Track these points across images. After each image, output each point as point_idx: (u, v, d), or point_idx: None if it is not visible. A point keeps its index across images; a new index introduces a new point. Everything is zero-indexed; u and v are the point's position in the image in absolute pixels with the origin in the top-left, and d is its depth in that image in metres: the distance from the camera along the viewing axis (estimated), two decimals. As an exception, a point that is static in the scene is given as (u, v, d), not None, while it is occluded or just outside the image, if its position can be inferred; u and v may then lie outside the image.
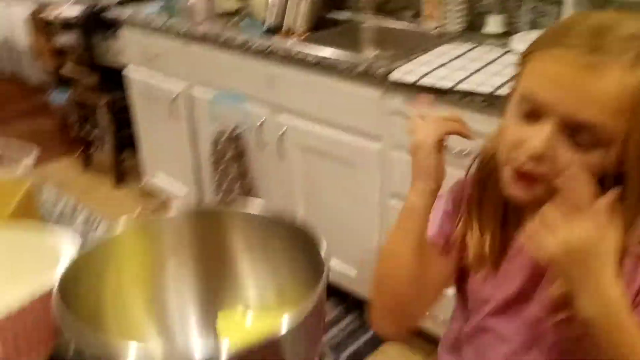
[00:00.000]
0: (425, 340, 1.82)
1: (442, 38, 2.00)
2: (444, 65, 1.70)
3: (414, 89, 1.63)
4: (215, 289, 0.68)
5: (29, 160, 0.92)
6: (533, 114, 0.67)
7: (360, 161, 1.89)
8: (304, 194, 2.13)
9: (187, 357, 0.67)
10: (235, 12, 2.39)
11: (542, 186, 0.68)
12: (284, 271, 0.66)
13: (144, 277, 0.66)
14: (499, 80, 1.56)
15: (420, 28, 2.13)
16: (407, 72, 1.67)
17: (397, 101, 1.71)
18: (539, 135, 0.66)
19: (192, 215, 0.69)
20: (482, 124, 1.53)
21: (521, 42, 1.79)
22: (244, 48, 2.05)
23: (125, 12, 2.53)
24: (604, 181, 0.67)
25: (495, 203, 0.78)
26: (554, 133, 0.66)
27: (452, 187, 0.87)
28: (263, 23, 2.24)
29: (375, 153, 1.84)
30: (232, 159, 2.22)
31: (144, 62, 2.50)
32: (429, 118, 0.81)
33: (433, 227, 0.83)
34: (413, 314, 0.86)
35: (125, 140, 2.92)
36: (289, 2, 2.22)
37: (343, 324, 2.08)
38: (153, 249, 0.67)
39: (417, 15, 2.19)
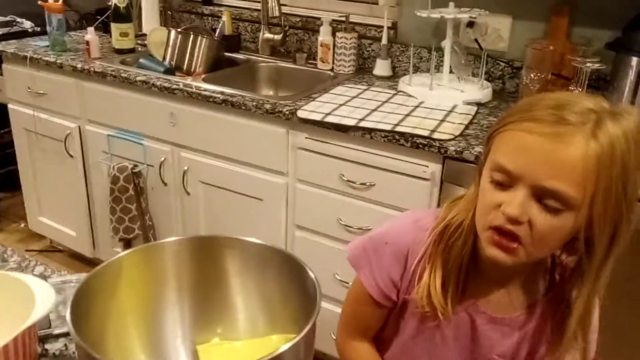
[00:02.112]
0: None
1: (336, 79, 2.16)
2: (344, 105, 1.85)
3: (317, 125, 1.76)
4: (208, 312, 0.72)
5: None
6: (506, 182, 0.73)
7: (267, 195, 1.97)
8: (209, 228, 2.16)
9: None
10: (132, 50, 2.39)
11: (521, 250, 0.74)
12: (275, 299, 0.71)
13: (143, 300, 0.68)
14: (395, 118, 1.73)
15: (315, 69, 2.28)
16: (311, 110, 1.79)
17: (301, 137, 1.83)
18: (513, 201, 0.72)
19: (192, 242, 0.72)
20: (383, 158, 1.71)
21: (407, 84, 2.00)
22: (146, 86, 2.07)
23: (9, 46, 2.42)
24: (578, 243, 0.75)
25: (458, 266, 0.84)
26: (527, 198, 0.71)
27: (397, 244, 0.91)
28: (162, 61, 2.27)
29: (281, 187, 1.93)
30: (132, 197, 2.19)
31: (31, 98, 2.40)
32: None
33: (376, 285, 0.91)
34: None
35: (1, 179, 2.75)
36: (187, 43, 2.27)
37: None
38: (153, 273, 0.70)
39: (310, 57, 2.35)
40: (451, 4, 1.93)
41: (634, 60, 1.63)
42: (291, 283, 0.68)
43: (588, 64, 1.64)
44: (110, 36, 2.40)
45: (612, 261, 0.76)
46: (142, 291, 0.70)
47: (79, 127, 2.32)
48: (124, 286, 0.67)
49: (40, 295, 0.70)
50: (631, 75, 1.65)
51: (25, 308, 0.69)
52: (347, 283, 1.87)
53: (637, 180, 0.72)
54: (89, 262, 2.60)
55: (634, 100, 1.64)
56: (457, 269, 0.84)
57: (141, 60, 2.24)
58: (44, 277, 0.95)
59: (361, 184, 1.76)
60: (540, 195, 0.71)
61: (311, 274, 0.65)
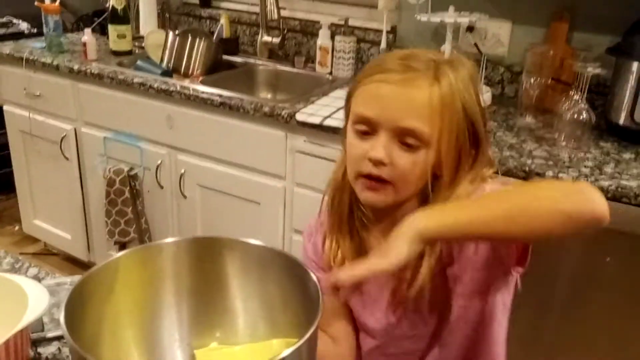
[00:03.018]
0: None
1: (335, 82, 2.15)
2: (343, 109, 1.83)
3: (316, 128, 1.75)
4: (207, 315, 0.70)
5: None
6: (368, 131, 0.82)
7: (264, 199, 1.95)
8: (206, 232, 2.14)
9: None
10: (129, 52, 2.37)
11: (391, 189, 0.83)
12: (276, 300, 0.69)
13: (139, 303, 0.66)
14: (394, 122, 1.72)
15: (313, 73, 2.27)
16: (310, 113, 1.78)
17: (300, 140, 1.81)
18: (377, 145, 0.81)
19: (191, 242, 0.71)
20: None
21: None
22: (143, 88, 2.05)
23: (6, 47, 2.40)
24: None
25: (347, 219, 0.92)
26: (388, 141, 0.81)
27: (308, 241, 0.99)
28: (159, 64, 2.25)
29: (278, 190, 1.91)
30: (128, 200, 2.17)
31: (27, 100, 2.38)
32: None
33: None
34: None
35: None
36: (185, 45, 2.26)
37: None
38: (150, 275, 0.68)
39: (309, 60, 2.34)
40: (451, 8, 1.93)
41: (635, 65, 1.62)
42: (293, 286, 0.66)
43: (588, 69, 1.63)
44: (108, 38, 2.38)
45: (459, 186, 0.84)
46: (139, 293, 0.68)
47: (75, 129, 2.30)
48: (120, 288, 0.65)
49: (33, 298, 0.68)
50: (631, 81, 1.64)
51: (18, 310, 0.67)
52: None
53: (479, 116, 0.84)
54: (84, 266, 2.57)
55: (635, 105, 1.63)
56: (348, 223, 0.91)
57: (138, 62, 2.22)
58: (37, 279, 0.93)
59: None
60: (399, 135, 0.80)
61: (313, 277, 0.63)
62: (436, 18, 1.88)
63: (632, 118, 1.63)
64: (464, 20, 1.90)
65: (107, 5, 2.36)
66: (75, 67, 2.19)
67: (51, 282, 0.92)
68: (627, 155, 1.58)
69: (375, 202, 0.86)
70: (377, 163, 0.81)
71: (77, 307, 0.58)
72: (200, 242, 0.72)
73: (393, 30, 2.22)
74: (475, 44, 2.02)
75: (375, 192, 0.84)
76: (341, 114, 1.76)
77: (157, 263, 0.68)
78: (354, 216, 0.92)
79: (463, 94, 0.82)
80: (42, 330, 0.83)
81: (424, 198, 0.86)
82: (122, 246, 2.28)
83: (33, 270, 0.97)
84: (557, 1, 1.89)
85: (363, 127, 0.82)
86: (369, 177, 0.83)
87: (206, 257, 0.69)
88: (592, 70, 1.63)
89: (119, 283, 0.65)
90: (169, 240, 0.71)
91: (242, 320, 0.72)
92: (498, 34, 2.03)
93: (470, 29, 2.04)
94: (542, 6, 1.93)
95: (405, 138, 0.80)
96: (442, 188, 0.84)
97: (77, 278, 0.73)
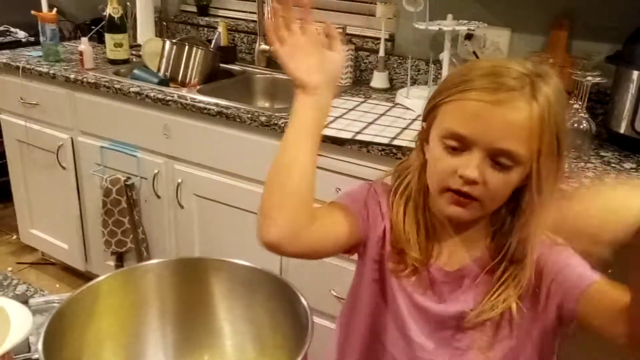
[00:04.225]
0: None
1: (333, 91, 2.13)
2: (341, 117, 1.82)
3: (314, 139, 1.73)
4: (193, 338, 0.68)
5: None
6: (459, 147, 0.80)
7: (261, 209, 1.93)
8: (203, 241, 2.12)
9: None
10: (126, 61, 2.36)
11: (477, 206, 0.82)
12: (264, 322, 0.67)
13: (123, 327, 0.65)
14: (392, 131, 1.70)
15: (311, 81, 2.25)
16: (307, 123, 1.76)
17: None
18: (470, 164, 0.78)
19: (175, 264, 0.69)
20: (380, 172, 1.67)
21: (405, 96, 1.98)
22: (139, 97, 2.03)
23: (2, 56, 2.39)
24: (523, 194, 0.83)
25: (416, 222, 0.90)
26: (481, 160, 0.78)
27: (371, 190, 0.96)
28: (156, 72, 2.24)
29: (276, 200, 1.89)
30: (125, 210, 2.15)
31: (23, 109, 2.37)
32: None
33: (353, 200, 0.94)
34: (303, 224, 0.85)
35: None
36: (182, 54, 2.25)
37: None
38: (134, 298, 0.66)
39: (307, 69, 2.32)
40: (449, 16, 1.91)
41: (635, 74, 1.61)
42: (282, 308, 0.64)
43: (588, 78, 1.61)
44: (105, 47, 2.37)
45: (551, 199, 0.82)
46: (122, 317, 0.66)
47: (72, 138, 2.28)
48: (102, 312, 0.63)
49: (17, 320, 0.66)
50: (632, 89, 1.62)
51: (1, 333, 0.65)
52: (344, 299, 1.83)
53: (566, 129, 0.83)
54: (82, 276, 2.55)
55: (635, 114, 1.61)
56: (416, 227, 0.90)
57: (135, 71, 2.21)
58: (25, 296, 0.91)
59: (357, 198, 1.72)
60: (494, 155, 0.78)
61: (303, 301, 0.61)
62: (434, 26, 1.86)
63: (633, 127, 1.61)
64: (462, 28, 1.88)
65: (105, 13, 2.34)
66: (72, 76, 2.18)
67: (40, 300, 0.90)
68: (628, 165, 1.56)
69: (460, 217, 0.85)
70: (470, 182, 0.80)
71: (57, 334, 0.56)
72: (185, 263, 0.70)
73: (391, 38, 2.20)
74: (474, 52, 2.01)
75: (463, 207, 0.82)
76: (337, 124, 1.76)
77: (140, 286, 0.66)
78: (425, 220, 0.90)
79: (556, 109, 0.80)
80: (29, 351, 0.81)
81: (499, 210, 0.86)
82: (119, 256, 2.26)
83: (22, 287, 0.95)
84: (557, 9, 1.87)
85: (454, 143, 0.80)
86: (457, 192, 0.81)
87: (191, 278, 0.67)
88: (592, 79, 1.61)
89: (100, 308, 0.63)
90: (153, 262, 0.69)
91: (230, 343, 0.70)
92: (497, 42, 2.01)
93: (469, 36, 2.02)
94: (541, 14, 1.91)
95: (499, 158, 0.79)
96: (529, 203, 0.83)
97: (66, 296, 0.72)
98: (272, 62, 2.41)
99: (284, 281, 0.66)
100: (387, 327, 0.94)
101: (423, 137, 0.89)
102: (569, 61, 1.83)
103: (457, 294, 0.88)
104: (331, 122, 1.78)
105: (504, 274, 0.84)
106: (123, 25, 2.34)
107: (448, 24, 1.88)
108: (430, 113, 0.86)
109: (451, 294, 0.89)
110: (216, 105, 1.91)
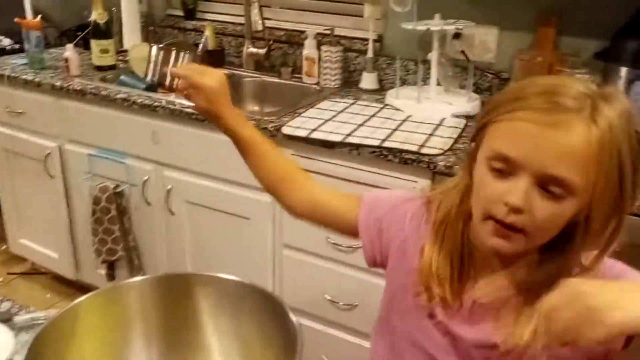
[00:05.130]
0: None
1: (322, 93, 2.12)
2: (331, 120, 1.80)
3: (303, 142, 1.72)
4: (180, 357, 0.67)
5: None
6: (506, 170, 0.73)
7: (253, 214, 1.91)
8: (194, 248, 2.10)
9: None
10: (112, 67, 2.34)
11: (522, 238, 0.74)
12: (253, 337, 0.66)
13: (107, 348, 0.63)
14: (382, 133, 1.69)
15: (300, 84, 2.24)
16: (297, 126, 1.75)
17: (287, 154, 1.78)
18: (516, 190, 0.71)
19: (159, 280, 0.67)
20: (372, 175, 1.66)
21: (394, 97, 1.96)
22: (127, 103, 2.01)
23: (-14, 65, 2.36)
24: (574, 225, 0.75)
25: (451, 252, 0.83)
26: (530, 186, 0.71)
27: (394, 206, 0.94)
28: (143, 78, 2.21)
29: (267, 205, 1.87)
30: (114, 218, 2.13)
31: (9, 118, 2.34)
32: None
33: (370, 203, 0.95)
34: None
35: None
36: (169, 58, 2.22)
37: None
38: (117, 317, 0.64)
39: (295, 71, 2.31)
40: (437, 15, 1.90)
41: (623, 70, 1.61)
42: (271, 323, 0.63)
43: (577, 75, 1.61)
44: (91, 53, 2.34)
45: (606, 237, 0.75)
46: (106, 338, 0.64)
47: (59, 146, 2.26)
48: (85, 333, 0.62)
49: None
50: (620, 85, 1.62)
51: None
52: (338, 303, 1.82)
53: (634, 157, 0.72)
54: (73, 285, 2.53)
55: (625, 110, 1.61)
56: (451, 256, 0.83)
57: (122, 77, 2.19)
58: (9, 314, 0.89)
59: (349, 201, 1.71)
60: (544, 182, 0.71)
61: (292, 317, 0.60)
62: (422, 26, 1.86)
63: (623, 124, 1.61)
64: (450, 27, 1.88)
65: (90, 19, 2.32)
66: (58, 83, 2.15)
67: (26, 317, 0.88)
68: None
69: (502, 250, 0.77)
70: (515, 210, 0.72)
71: (39, 356, 0.54)
72: (169, 279, 0.68)
73: (380, 39, 2.19)
74: (463, 51, 2.00)
75: (506, 239, 0.74)
76: (327, 126, 1.75)
77: (123, 304, 0.65)
78: (462, 249, 0.83)
79: (620, 137, 0.71)
80: (14, 370, 0.79)
81: (548, 246, 0.77)
82: (110, 265, 2.24)
83: (6, 304, 0.93)
84: (544, 6, 1.87)
85: (501, 166, 0.73)
86: (501, 222, 0.74)
87: (176, 295, 0.66)
88: (581, 75, 1.61)
89: (82, 329, 0.61)
90: (136, 279, 0.67)
91: (216, 357, 0.69)
92: (485, 41, 2.01)
93: (457, 36, 2.01)
94: (528, 11, 1.90)
95: (549, 186, 0.71)
96: (584, 242, 0.75)
97: (52, 313, 0.70)
98: (260, 64, 2.40)
99: (271, 295, 0.65)
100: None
101: (471, 158, 0.81)
102: (557, 58, 1.82)
103: (488, 324, 0.82)
104: (321, 124, 1.76)
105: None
106: (109, 30, 2.32)
107: (436, 24, 1.87)
108: (479, 131, 0.79)
109: (481, 323, 0.82)
110: (204, 110, 1.89)
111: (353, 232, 0.96)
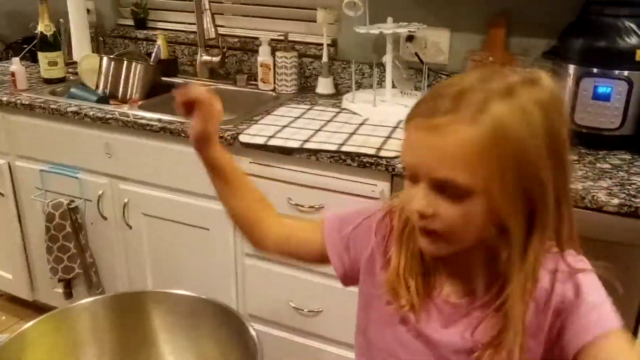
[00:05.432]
0: None
1: (278, 100, 2.11)
2: (288, 126, 1.79)
3: (261, 149, 1.70)
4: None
5: None
6: (412, 177, 0.74)
7: (212, 224, 1.89)
8: (154, 262, 2.06)
9: None
10: (61, 80, 2.27)
11: (442, 241, 0.74)
12: (211, 355, 0.64)
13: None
14: (340, 137, 1.69)
15: (256, 90, 2.22)
16: (254, 134, 1.73)
17: (245, 162, 1.76)
18: (417, 196, 0.73)
19: (110, 300, 0.65)
20: (331, 179, 1.66)
21: (350, 101, 1.97)
22: (78, 117, 1.96)
23: None
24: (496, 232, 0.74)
25: (416, 256, 0.84)
26: (429, 192, 0.72)
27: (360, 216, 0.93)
28: (95, 90, 2.16)
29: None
30: (70, 235, 2.07)
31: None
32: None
33: (333, 221, 0.94)
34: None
35: None
36: (121, 69, 2.18)
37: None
38: (69, 341, 0.61)
39: (251, 78, 2.29)
40: (389, 19, 1.92)
41: (571, 68, 1.64)
42: (230, 339, 0.61)
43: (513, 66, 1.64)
44: (39, 66, 2.28)
45: (535, 250, 0.73)
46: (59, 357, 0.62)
47: (9, 163, 2.18)
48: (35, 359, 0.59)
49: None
50: (568, 82, 1.66)
51: None
52: (302, 310, 1.81)
53: (553, 146, 0.70)
54: (30, 305, 2.44)
55: (574, 108, 1.65)
56: (415, 261, 0.83)
57: (72, 89, 2.13)
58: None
59: (309, 206, 1.70)
60: (438, 186, 0.71)
61: (252, 331, 0.59)
62: (375, 30, 1.87)
63: (572, 120, 1.65)
64: (403, 30, 1.89)
65: (37, 31, 2.25)
66: (4, 98, 2.08)
67: (-26, 343, 0.84)
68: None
69: (431, 253, 0.79)
70: (421, 215, 0.73)
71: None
72: (122, 298, 0.66)
73: (334, 43, 2.20)
74: (416, 54, 2.02)
75: (430, 242, 0.76)
76: (284, 133, 1.74)
77: (75, 327, 0.62)
78: (420, 258, 0.83)
79: (517, 131, 0.68)
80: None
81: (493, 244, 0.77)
82: (67, 283, 2.18)
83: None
84: (494, 7, 1.90)
85: (407, 173, 0.75)
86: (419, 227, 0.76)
87: (130, 314, 0.64)
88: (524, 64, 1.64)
89: (32, 355, 0.59)
90: (88, 300, 0.65)
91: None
92: (438, 43, 2.03)
93: (410, 38, 2.03)
94: (478, 13, 1.94)
95: (445, 188, 0.71)
96: (511, 244, 0.73)
97: (4, 337, 0.67)
98: (215, 72, 2.37)
99: (230, 309, 0.63)
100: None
101: None
102: (508, 58, 1.86)
103: (460, 327, 0.81)
104: (278, 131, 1.75)
105: (501, 308, 0.76)
106: (57, 42, 2.26)
107: (388, 27, 1.89)
108: None
109: (454, 326, 0.82)
110: (159, 120, 1.86)
111: (322, 258, 0.95)
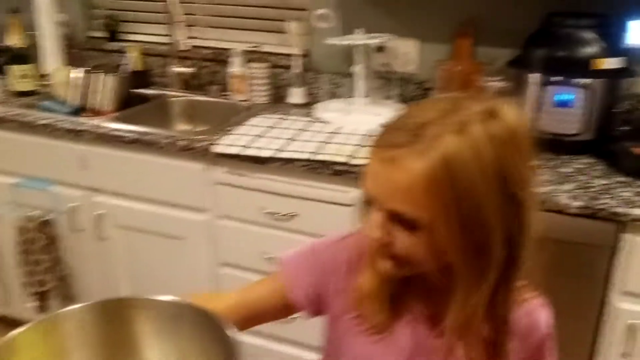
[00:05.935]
0: None
1: (251, 110, 2.13)
2: (261, 136, 1.82)
3: (235, 159, 1.72)
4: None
5: None
6: (370, 203, 0.75)
7: (188, 234, 1.90)
8: (129, 273, 2.06)
9: None
10: (33, 93, 2.26)
11: (402, 265, 0.75)
12: (196, 357, 0.65)
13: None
14: (313, 146, 1.72)
15: (229, 101, 2.24)
16: (228, 144, 1.75)
17: (219, 172, 1.78)
18: (372, 222, 0.73)
19: (94, 308, 0.66)
20: (304, 188, 1.69)
21: (323, 110, 2.00)
22: (50, 129, 1.95)
23: None
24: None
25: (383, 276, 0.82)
26: (383, 219, 0.72)
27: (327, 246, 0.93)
28: (67, 102, 2.16)
29: (202, 224, 1.86)
30: (43, 248, 2.05)
31: None
32: None
33: (291, 258, 0.93)
34: None
35: None
36: (93, 81, 2.18)
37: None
38: (55, 349, 0.62)
39: (223, 89, 2.31)
40: (360, 30, 1.96)
41: (535, 76, 1.70)
42: (212, 340, 0.63)
43: (492, 83, 1.70)
44: (9, 78, 2.26)
45: (483, 294, 0.72)
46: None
47: (-21, 177, 2.16)
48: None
49: None
50: (532, 91, 1.72)
51: None
52: (278, 317, 1.82)
53: (503, 184, 0.67)
54: (2, 321, 2.41)
55: (537, 116, 1.71)
56: (383, 281, 0.82)
57: (44, 102, 2.12)
58: None
59: (284, 215, 1.73)
60: (391, 215, 0.71)
61: (228, 333, 0.60)
62: (346, 41, 1.91)
63: (536, 126, 1.71)
64: (373, 42, 1.94)
65: (6, 44, 2.24)
66: (-25, 112, 2.06)
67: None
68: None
69: (389, 274, 0.78)
70: (377, 242, 0.74)
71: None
72: (105, 305, 0.67)
73: (306, 54, 2.23)
74: (386, 64, 2.07)
75: (388, 264, 0.76)
76: (258, 142, 1.76)
77: (63, 335, 0.63)
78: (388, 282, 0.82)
79: (467, 165, 0.66)
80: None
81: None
82: (41, 296, 2.16)
83: None
84: (461, 17, 1.96)
85: (366, 200, 0.75)
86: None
87: (114, 321, 0.65)
88: (496, 83, 1.70)
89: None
90: (74, 307, 0.66)
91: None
92: (407, 53, 2.08)
93: (380, 49, 2.08)
94: (447, 23, 1.99)
95: (398, 218, 0.71)
96: (455, 282, 0.73)
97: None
98: (188, 83, 2.39)
99: (205, 312, 0.65)
100: None
101: None
102: (475, 67, 1.92)
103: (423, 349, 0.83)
104: (252, 141, 1.77)
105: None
106: (27, 55, 2.25)
107: (359, 38, 1.93)
108: None
109: (418, 349, 0.83)
110: (132, 132, 1.87)
111: (290, 305, 0.92)
